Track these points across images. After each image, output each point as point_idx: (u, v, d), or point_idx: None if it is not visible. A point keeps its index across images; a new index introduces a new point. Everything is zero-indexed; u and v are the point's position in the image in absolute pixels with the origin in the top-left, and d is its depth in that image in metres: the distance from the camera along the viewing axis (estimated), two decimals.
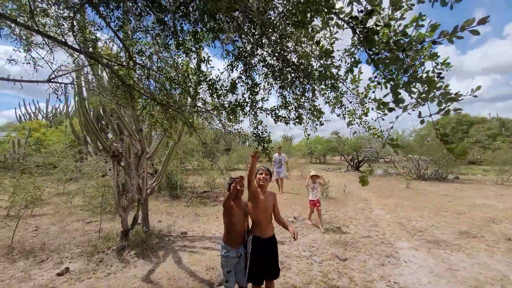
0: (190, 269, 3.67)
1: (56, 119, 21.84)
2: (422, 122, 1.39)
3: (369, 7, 1.05)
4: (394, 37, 1.09)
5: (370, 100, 1.95)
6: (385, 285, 3.30)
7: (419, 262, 3.93)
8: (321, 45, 1.65)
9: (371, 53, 1.09)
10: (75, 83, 4.13)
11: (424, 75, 1.16)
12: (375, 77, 1.44)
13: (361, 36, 1.05)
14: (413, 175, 14.48)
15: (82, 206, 6.88)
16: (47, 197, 9.09)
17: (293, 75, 1.94)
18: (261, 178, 2.43)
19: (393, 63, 1.11)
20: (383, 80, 1.27)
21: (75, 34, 2.15)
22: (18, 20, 1.88)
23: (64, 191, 9.59)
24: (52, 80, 2.50)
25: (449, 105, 1.16)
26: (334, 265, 3.83)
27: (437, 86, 1.14)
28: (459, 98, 1.14)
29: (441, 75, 1.17)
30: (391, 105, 1.33)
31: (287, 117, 2.20)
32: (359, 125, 2.37)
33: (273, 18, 1.64)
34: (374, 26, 1.09)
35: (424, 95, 1.17)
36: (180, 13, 1.84)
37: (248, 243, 2.42)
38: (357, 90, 1.96)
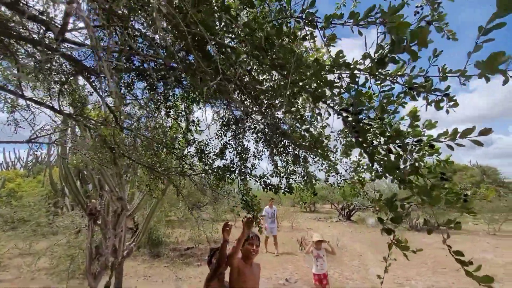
0: None
1: (35, 168, 20.94)
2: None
3: (355, 110, 1.05)
4: (388, 131, 1.07)
5: (363, 169, 1.94)
6: None
7: None
8: (309, 133, 1.66)
9: (365, 145, 1.08)
10: (56, 143, 4.04)
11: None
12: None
13: (353, 128, 1.05)
14: (406, 225, 14.18)
15: (48, 269, 6.11)
16: (7, 257, 8.13)
17: (284, 141, 1.95)
18: (253, 250, 2.20)
19: (390, 167, 1.08)
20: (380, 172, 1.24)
21: (63, 97, 2.15)
22: (4, 87, 1.87)
23: (30, 251, 8.64)
24: (33, 141, 2.41)
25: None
26: None
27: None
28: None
29: (445, 177, 1.14)
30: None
31: (277, 185, 2.13)
32: (360, 196, 2.36)
33: (263, 88, 1.70)
34: (366, 121, 1.09)
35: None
36: (174, 83, 1.90)
37: None
38: (349, 158, 1.97)
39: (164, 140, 2.38)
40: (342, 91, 1.14)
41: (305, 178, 2.12)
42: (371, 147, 1.10)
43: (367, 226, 16.10)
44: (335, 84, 1.11)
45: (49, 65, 1.78)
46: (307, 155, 2.03)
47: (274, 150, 2.00)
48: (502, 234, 11.83)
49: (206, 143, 2.22)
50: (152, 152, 2.55)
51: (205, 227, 8.69)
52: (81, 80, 2.32)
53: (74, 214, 6.06)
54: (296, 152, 2.02)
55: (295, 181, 2.13)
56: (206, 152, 2.22)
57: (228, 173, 2.19)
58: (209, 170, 2.35)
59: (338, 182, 2.15)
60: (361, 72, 1.08)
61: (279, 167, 2.12)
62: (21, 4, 1.20)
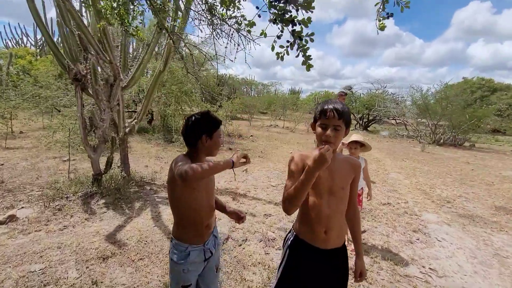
0: (169, 228, 2.91)
1: (46, 49, 19.99)
2: None
3: None
4: None
5: None
6: (418, 271, 2.54)
7: (456, 242, 3.15)
8: None
9: None
10: None
11: None
12: None
13: None
14: (427, 138, 13.47)
15: (64, 142, 6.08)
16: (31, 129, 8.32)
17: None
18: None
19: None
20: None
21: None
22: None
23: (51, 123, 8.76)
24: None
25: None
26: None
27: None
28: None
29: None
30: None
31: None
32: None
33: None
34: None
35: None
36: None
37: (285, 247, 1.39)
38: None
39: None
40: None
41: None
42: None
43: (377, 136, 15.61)
44: None
45: None
46: None
47: None
48: None
49: None
50: None
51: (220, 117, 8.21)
52: None
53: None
54: None
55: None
56: None
57: None
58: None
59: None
60: None
61: None
62: None
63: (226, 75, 18.74)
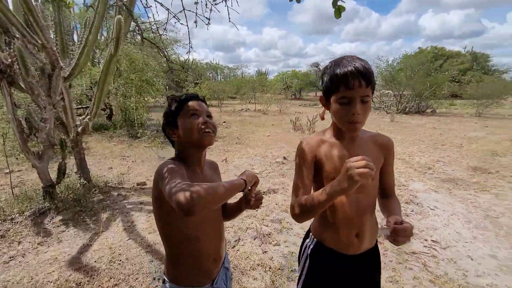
0: (147, 239, 2.47)
1: None
2: None
3: None
4: None
5: None
6: (422, 245, 2.43)
7: (448, 209, 3.14)
8: None
9: None
10: None
11: None
12: None
13: None
14: (394, 108, 14.03)
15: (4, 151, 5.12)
16: None
17: None
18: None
19: None
20: None
21: None
22: None
23: None
24: None
25: None
26: None
27: None
28: None
29: None
30: None
31: None
32: None
33: None
34: None
35: None
36: None
37: (303, 257, 1.08)
38: None
39: None
40: None
41: None
42: None
43: None
44: None
45: None
46: None
47: None
48: (486, 116, 11.98)
49: None
50: None
51: None
52: None
53: None
54: None
55: None
56: None
57: None
58: None
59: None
60: None
61: None
62: None
63: (189, 60, 17.60)
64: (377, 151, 0.99)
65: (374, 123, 10.46)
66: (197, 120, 0.88)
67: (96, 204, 3.13)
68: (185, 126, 0.87)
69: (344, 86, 0.80)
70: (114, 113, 9.04)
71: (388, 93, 15.96)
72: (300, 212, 0.88)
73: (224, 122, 10.04)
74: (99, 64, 8.80)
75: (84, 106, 7.91)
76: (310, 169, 0.95)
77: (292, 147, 5.96)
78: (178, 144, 0.93)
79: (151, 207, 2.96)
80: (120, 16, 3.06)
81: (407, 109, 13.54)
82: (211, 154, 5.47)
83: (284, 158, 5.04)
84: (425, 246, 2.43)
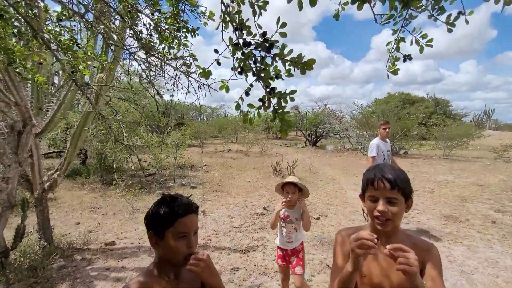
0: None
1: None
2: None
3: None
4: None
5: None
6: None
7: None
8: None
9: None
10: None
11: None
12: None
13: None
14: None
15: None
16: None
17: None
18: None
19: None
20: None
21: None
22: None
23: None
24: None
25: None
26: (328, 278, 2.79)
27: None
28: None
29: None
30: None
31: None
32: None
33: None
34: None
35: None
36: None
37: None
38: None
39: None
40: None
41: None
42: None
43: (326, 152, 16.55)
44: None
45: None
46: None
47: None
48: (453, 158, 12.84)
49: None
50: None
51: (169, 151, 7.51)
52: None
53: None
54: None
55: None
56: None
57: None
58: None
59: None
60: None
61: None
62: None
63: (172, 101, 17.90)
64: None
65: (353, 165, 10.82)
66: (185, 242, 0.86)
67: (55, 272, 2.82)
68: (171, 247, 0.84)
69: (371, 186, 0.97)
70: (88, 157, 8.72)
71: (363, 134, 16.91)
72: None
73: (205, 165, 9.94)
74: (78, 105, 8.72)
75: (57, 151, 7.60)
76: (345, 260, 1.01)
77: (273, 195, 5.93)
78: (159, 256, 0.91)
79: (118, 274, 2.74)
80: (101, 74, 3.15)
81: None
82: None
83: (264, 208, 4.97)
84: None
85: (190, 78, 1.50)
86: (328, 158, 13.41)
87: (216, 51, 1.00)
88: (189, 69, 1.41)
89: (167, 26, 1.36)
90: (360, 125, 16.19)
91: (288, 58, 0.93)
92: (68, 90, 3.17)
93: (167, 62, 1.41)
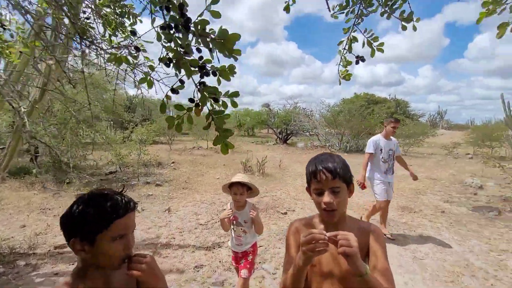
0: None
1: None
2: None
3: None
4: None
5: None
6: None
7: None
8: None
9: None
10: None
11: None
12: None
13: None
14: (336, 147, 15.35)
15: None
16: None
17: None
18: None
19: None
20: None
21: None
22: None
23: None
24: None
25: None
26: None
27: None
28: None
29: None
30: None
31: None
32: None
33: None
34: None
35: None
36: None
37: None
38: None
39: None
40: None
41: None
42: None
43: (296, 149, 16.98)
44: None
45: None
46: None
47: None
48: (410, 155, 13.90)
49: None
50: None
51: (131, 147, 7.09)
52: None
53: None
54: None
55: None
56: None
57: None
58: None
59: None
60: None
61: None
62: None
63: (138, 96, 16.99)
64: (360, 237, 0.93)
65: None
66: (122, 243, 0.74)
67: None
68: (105, 252, 0.72)
69: (315, 179, 0.96)
70: (40, 153, 7.92)
71: (331, 132, 17.59)
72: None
73: (173, 162, 9.59)
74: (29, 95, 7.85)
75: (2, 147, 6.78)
76: (297, 251, 0.96)
77: None
78: (83, 261, 0.76)
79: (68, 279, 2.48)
80: (50, 61, 2.84)
81: (348, 148, 14.93)
82: (153, 203, 5.04)
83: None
84: None
85: (136, 71, 1.38)
86: (298, 155, 13.72)
87: (133, 33, 0.89)
88: (136, 61, 1.29)
89: (108, 10, 1.23)
90: (328, 124, 16.82)
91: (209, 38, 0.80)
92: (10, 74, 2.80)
93: (107, 51, 1.27)
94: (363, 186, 3.77)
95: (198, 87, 0.81)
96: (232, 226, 2.13)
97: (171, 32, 0.79)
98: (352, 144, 15.05)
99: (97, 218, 0.72)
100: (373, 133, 15.51)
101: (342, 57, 1.61)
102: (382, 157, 3.82)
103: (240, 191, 1.96)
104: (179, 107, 0.85)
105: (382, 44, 1.49)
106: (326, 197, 0.93)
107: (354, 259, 0.77)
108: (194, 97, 0.86)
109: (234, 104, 0.85)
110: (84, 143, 7.28)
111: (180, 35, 0.80)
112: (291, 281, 0.90)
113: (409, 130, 14.90)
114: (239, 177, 1.99)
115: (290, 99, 24.38)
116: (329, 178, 0.93)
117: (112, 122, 13.96)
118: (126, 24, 1.30)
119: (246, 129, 28.76)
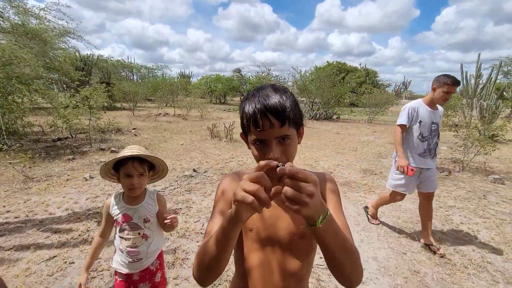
0: None
1: None
2: None
3: None
4: None
5: None
6: (318, 256, 2.44)
7: (346, 214, 3.36)
8: None
9: None
10: None
11: None
12: None
13: None
14: (306, 115, 15.43)
15: None
16: None
17: None
18: None
19: None
20: None
21: None
22: None
23: None
24: None
25: None
26: None
27: None
28: None
29: None
30: None
31: None
32: None
33: None
34: None
35: None
36: None
37: None
38: None
39: None
40: None
41: None
42: None
43: None
44: None
45: None
46: None
47: None
48: (375, 122, 14.45)
49: None
50: None
51: (79, 112, 6.29)
52: None
53: None
54: None
55: None
56: None
57: None
58: None
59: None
60: None
61: None
62: None
63: (92, 55, 15.14)
64: None
65: None
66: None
67: None
68: None
69: (255, 128, 0.65)
70: None
71: (303, 100, 17.54)
72: (199, 260, 0.64)
73: (134, 128, 8.89)
74: None
75: None
76: (227, 208, 0.75)
77: (206, 157, 5.61)
78: None
79: None
80: None
81: (317, 116, 15.08)
82: None
83: (194, 170, 4.63)
84: (321, 257, 2.45)
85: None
86: None
87: None
88: None
89: None
90: (299, 91, 16.64)
91: None
92: None
93: None
94: (410, 172, 2.46)
95: None
96: (120, 234, 1.29)
97: None
98: (322, 112, 15.20)
99: None
100: (342, 101, 15.75)
101: None
102: (421, 133, 2.54)
103: (139, 171, 1.23)
104: None
105: None
106: (274, 152, 0.64)
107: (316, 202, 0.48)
108: None
109: None
110: (24, 108, 6.29)
111: None
112: (214, 244, 0.60)
113: (375, 99, 15.32)
114: (134, 149, 1.23)
115: (263, 66, 23.55)
116: (275, 125, 0.64)
117: (60, 83, 12.38)
118: None
119: (217, 96, 27.69)
